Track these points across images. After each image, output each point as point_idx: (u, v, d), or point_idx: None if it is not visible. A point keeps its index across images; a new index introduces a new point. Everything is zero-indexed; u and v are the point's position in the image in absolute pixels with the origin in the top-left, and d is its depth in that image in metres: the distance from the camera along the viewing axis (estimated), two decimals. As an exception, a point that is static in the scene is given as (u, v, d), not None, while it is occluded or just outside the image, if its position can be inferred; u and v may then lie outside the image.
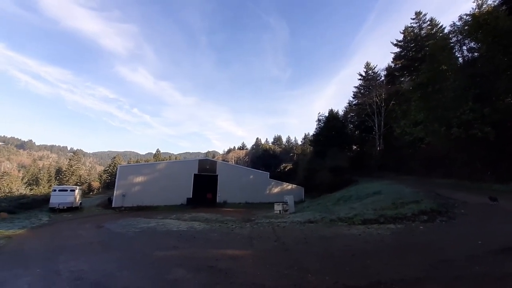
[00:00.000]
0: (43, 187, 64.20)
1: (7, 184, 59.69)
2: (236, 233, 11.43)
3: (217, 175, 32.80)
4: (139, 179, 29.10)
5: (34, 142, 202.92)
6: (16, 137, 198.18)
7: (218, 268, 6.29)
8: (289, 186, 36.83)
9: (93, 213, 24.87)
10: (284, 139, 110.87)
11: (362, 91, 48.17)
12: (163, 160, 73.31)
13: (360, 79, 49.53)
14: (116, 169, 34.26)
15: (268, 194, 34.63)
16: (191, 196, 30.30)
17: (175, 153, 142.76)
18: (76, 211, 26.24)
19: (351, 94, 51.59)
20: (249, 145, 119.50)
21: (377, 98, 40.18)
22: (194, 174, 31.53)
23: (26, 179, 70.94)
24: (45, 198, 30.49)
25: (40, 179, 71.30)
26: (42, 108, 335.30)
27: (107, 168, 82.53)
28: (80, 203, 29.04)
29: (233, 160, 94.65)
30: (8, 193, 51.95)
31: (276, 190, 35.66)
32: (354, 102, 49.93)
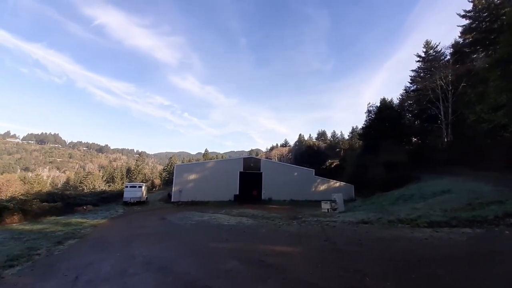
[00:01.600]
0: (117, 184, 76.28)
1: (91, 182, 73.08)
2: (283, 230, 11.44)
3: (261, 173, 33.37)
4: (192, 176, 31.81)
5: (109, 146, 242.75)
6: (95, 143, 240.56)
7: (268, 262, 6.40)
8: (336, 184, 34.92)
9: (156, 206, 28.32)
10: (329, 134, 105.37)
11: (421, 74, 41.93)
12: (211, 159, 78.49)
13: (418, 61, 43.16)
14: (173, 168, 38.21)
15: (314, 192, 33.54)
16: (237, 193, 31.63)
17: (221, 152, 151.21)
18: (143, 204, 30.38)
19: (408, 79, 45.21)
20: (291, 142, 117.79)
21: (442, 81, 34.41)
22: (240, 172, 32.77)
23: (105, 178, 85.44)
24: (120, 193, 36.22)
25: (115, 177, 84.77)
26: (114, 117, 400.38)
27: (166, 167, 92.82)
28: (146, 198, 33.54)
29: (276, 158, 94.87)
30: (92, 189, 63.54)
31: (322, 187, 34.27)
32: (412, 88, 43.81)
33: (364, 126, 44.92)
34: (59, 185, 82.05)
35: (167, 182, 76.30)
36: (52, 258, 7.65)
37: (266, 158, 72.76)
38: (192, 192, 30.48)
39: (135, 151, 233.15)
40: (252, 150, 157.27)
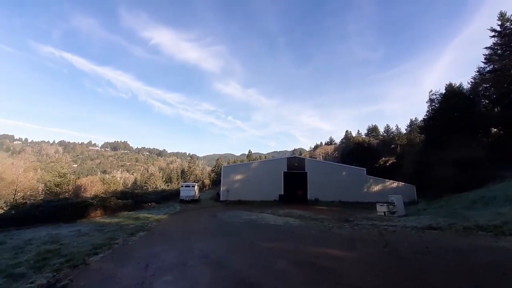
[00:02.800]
0: (174, 183, 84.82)
1: (153, 182, 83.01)
2: (334, 232, 10.86)
3: (306, 172, 32.44)
4: (238, 177, 33.09)
5: (167, 151, 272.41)
6: (156, 148, 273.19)
7: (320, 265, 6.16)
8: (394, 184, 31.43)
9: (207, 204, 30.43)
10: (381, 129, 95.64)
11: (499, 52, 34.25)
12: (255, 159, 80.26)
13: (493, 36, 35.23)
14: (220, 169, 40.44)
15: (366, 193, 30.90)
16: (282, 193, 31.48)
17: (264, 153, 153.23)
18: (196, 202, 33.06)
19: (481, 58, 37.39)
20: (337, 140, 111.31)
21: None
22: (284, 172, 32.55)
23: (164, 178, 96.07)
24: (176, 192, 40.24)
25: (172, 177, 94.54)
26: (169, 125, 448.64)
27: (213, 168, 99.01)
28: (199, 196, 36.45)
29: (321, 156, 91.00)
30: (154, 188, 72.00)
31: (376, 188, 31.31)
32: (487, 69, 36.20)
33: (426, 117, 39.23)
34: (129, 185, 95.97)
35: (216, 182, 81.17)
36: (127, 247, 8.96)
37: (310, 157, 70.41)
38: (239, 191, 31.66)
39: (187, 154, 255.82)
40: (295, 150, 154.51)
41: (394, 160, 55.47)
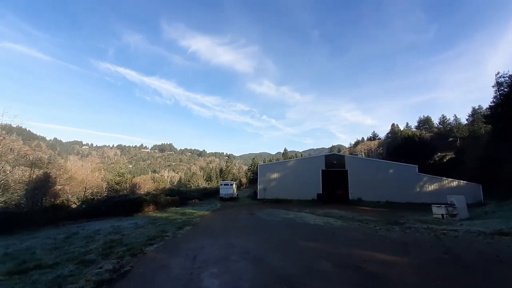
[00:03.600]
0: (214, 182, 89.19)
1: (196, 180, 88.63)
2: (382, 235, 10.02)
3: (347, 170, 30.63)
4: (275, 175, 33.10)
5: (206, 151, 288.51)
6: (196, 149, 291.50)
7: (367, 270, 5.75)
8: (453, 183, 27.52)
9: (245, 202, 31.21)
10: (435, 121, 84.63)
11: None
12: (291, 158, 79.14)
13: None
14: (256, 168, 41.03)
15: (419, 193, 27.72)
16: (321, 192, 30.35)
17: (300, 151, 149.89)
18: (235, 200, 34.22)
19: None
20: (381, 134, 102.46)
21: None
22: (322, 170, 31.33)
23: (204, 177, 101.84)
24: (216, 190, 42.31)
25: (212, 176, 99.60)
26: (207, 126, 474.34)
27: (250, 167, 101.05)
28: (237, 194, 37.66)
29: (362, 153, 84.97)
30: (197, 186, 76.79)
31: (431, 187, 27.85)
32: None
33: (492, 104, 33.23)
34: (175, 183, 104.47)
35: (252, 180, 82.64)
36: (176, 240, 9.77)
37: (351, 154, 66.25)
38: (275, 190, 31.65)
39: (224, 154, 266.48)
40: (333, 147, 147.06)
41: (453, 156, 48.52)
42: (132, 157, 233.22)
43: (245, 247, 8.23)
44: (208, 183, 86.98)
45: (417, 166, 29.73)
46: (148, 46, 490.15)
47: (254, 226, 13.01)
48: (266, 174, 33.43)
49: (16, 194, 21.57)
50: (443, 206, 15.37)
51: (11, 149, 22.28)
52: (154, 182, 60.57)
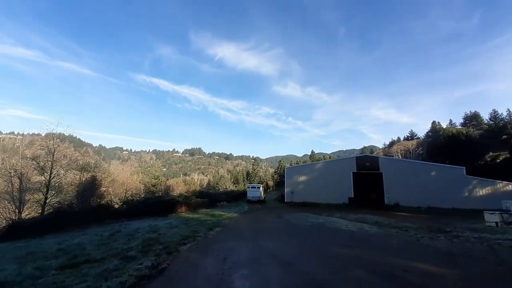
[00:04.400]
0: (241, 184, 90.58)
1: (223, 183, 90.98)
2: (424, 244, 9.15)
3: (381, 173, 28.67)
4: (302, 178, 32.40)
5: (233, 154, 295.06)
6: (224, 152, 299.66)
7: (408, 280, 5.29)
8: (509, 186, 24.10)
9: (272, 205, 31.06)
10: (485, 116, 75.08)
11: None
12: (318, 160, 76.80)
13: None
14: (283, 171, 40.65)
15: (467, 198, 24.77)
16: (352, 196, 28.85)
17: (328, 153, 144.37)
18: (262, 203, 34.24)
19: None
20: (420, 133, 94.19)
21: None
22: (353, 173, 29.79)
23: (232, 180, 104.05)
24: (243, 192, 42.81)
25: (239, 179, 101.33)
26: (234, 130, 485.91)
27: (276, 170, 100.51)
28: (264, 197, 37.65)
29: (399, 154, 78.92)
30: (225, 189, 78.72)
31: (482, 192, 24.72)
32: None
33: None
34: (204, 185, 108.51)
35: (279, 183, 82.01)
36: (207, 240, 10.10)
37: (385, 155, 61.93)
38: (303, 193, 30.94)
39: (251, 157, 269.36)
40: (365, 148, 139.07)
41: (508, 155, 42.40)
42: (166, 161, 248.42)
43: (274, 250, 8.18)
44: (236, 186, 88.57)
45: (464, 168, 26.60)
46: (178, 57, 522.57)
47: (282, 230, 12.87)
48: (293, 177, 32.91)
49: (68, 195, 24.43)
50: (497, 212, 13.52)
51: (64, 155, 25.32)
52: (186, 184, 63.60)
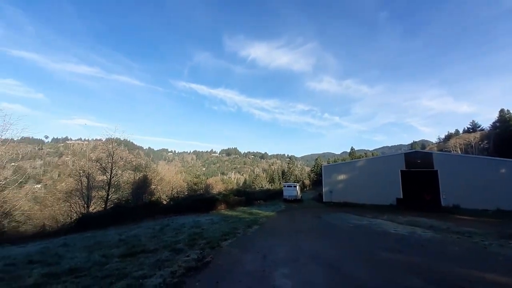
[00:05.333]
0: (276, 183, 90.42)
1: (259, 182, 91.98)
2: (493, 252, 7.83)
3: (436, 171, 25.37)
4: (342, 177, 30.74)
5: (268, 153, 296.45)
6: (258, 151, 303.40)
7: (477, 295, 4.58)
8: None
9: (309, 205, 30.23)
10: None
11: None
12: (359, 157, 71.83)
13: None
14: (320, 169, 39.20)
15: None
16: (401, 196, 26.19)
17: (370, 149, 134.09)
18: (299, 202, 33.60)
19: None
20: (485, 124, 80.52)
21: None
22: (401, 171, 27.02)
23: (267, 178, 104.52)
24: (279, 191, 42.61)
25: (274, 178, 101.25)
26: (268, 129, 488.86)
27: (313, 168, 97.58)
28: (301, 196, 36.90)
29: (457, 149, 68.96)
30: (261, 187, 79.55)
31: None
32: None
33: None
34: (241, 184, 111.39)
35: (316, 182, 79.34)
36: (247, 237, 10.36)
37: (440, 151, 54.66)
38: (343, 193, 29.32)
39: (286, 155, 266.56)
40: (415, 143, 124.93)
41: None
42: (205, 161, 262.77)
43: (315, 251, 7.96)
44: (271, 185, 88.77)
45: (549, 163, 21.81)
46: (214, 61, 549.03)
47: (322, 230, 12.43)
48: (331, 176, 31.46)
49: (125, 192, 27.69)
50: None
51: (121, 157, 28.81)
52: (223, 183, 66.26)
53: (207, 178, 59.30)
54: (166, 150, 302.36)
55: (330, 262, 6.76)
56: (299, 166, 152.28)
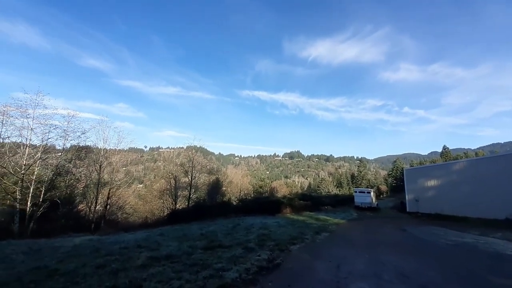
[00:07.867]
0: (345, 188, 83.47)
1: (325, 186, 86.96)
2: None
3: None
4: (431, 182, 25.50)
5: (333, 156, 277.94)
6: (323, 154, 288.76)
7: None
8: None
9: (389, 215, 26.37)
10: None
11: None
12: (456, 159, 57.75)
13: None
14: (400, 173, 33.75)
15: None
16: (527, 209, 19.46)
17: (472, 148, 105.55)
18: (375, 211, 29.81)
19: None
20: None
21: None
22: (525, 175, 20.15)
23: (334, 183, 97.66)
24: (349, 197, 39.02)
25: (342, 182, 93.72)
26: (333, 130, 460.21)
27: (390, 172, 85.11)
28: (377, 204, 32.68)
29: None
30: (327, 192, 75.14)
31: None
32: None
33: None
34: (305, 188, 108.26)
35: (395, 188, 68.66)
36: (316, 244, 9.93)
37: None
38: (434, 202, 24.20)
39: (355, 157, 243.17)
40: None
41: None
42: (268, 164, 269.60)
43: (400, 268, 6.86)
44: (339, 190, 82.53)
45: None
46: (274, 67, 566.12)
47: (409, 246, 10.59)
48: (417, 181, 26.56)
49: (202, 193, 31.44)
50: None
51: (198, 162, 33.07)
52: (288, 186, 65.99)
53: (271, 182, 60.50)
54: (233, 155, 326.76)
55: (424, 284, 5.66)
56: (372, 169, 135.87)
